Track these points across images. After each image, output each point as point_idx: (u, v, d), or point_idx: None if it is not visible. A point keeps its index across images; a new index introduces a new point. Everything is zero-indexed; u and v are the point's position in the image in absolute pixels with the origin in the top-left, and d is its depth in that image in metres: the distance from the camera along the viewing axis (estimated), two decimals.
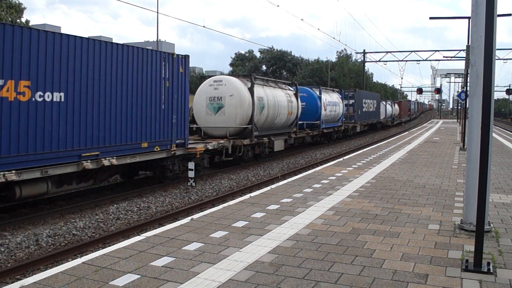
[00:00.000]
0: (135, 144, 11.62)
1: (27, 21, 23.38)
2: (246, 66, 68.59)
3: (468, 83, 15.56)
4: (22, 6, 22.73)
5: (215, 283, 4.38)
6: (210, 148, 14.87)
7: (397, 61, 51.14)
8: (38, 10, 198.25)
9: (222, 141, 15.67)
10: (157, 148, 12.39)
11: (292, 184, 9.94)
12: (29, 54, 8.83)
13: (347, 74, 61.49)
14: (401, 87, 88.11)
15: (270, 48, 66.63)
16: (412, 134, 30.10)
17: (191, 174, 12.97)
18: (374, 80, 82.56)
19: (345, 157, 15.70)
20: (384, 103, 48.58)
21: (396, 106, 59.85)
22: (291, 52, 70.31)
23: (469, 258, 4.91)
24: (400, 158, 15.28)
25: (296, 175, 12.70)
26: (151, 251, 5.35)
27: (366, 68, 59.25)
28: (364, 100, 36.99)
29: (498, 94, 78.64)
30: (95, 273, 4.64)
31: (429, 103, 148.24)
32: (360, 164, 13.51)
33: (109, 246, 6.26)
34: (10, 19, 20.91)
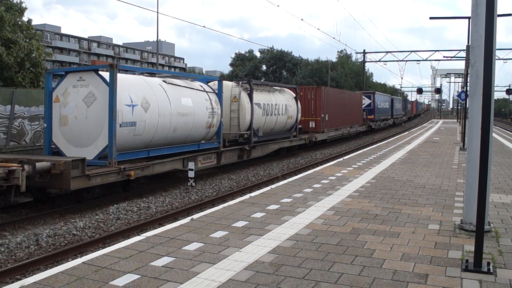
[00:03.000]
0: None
1: (29, 21, 23.30)
2: (246, 66, 68.56)
3: (468, 83, 15.55)
4: (24, 6, 22.64)
5: (215, 283, 4.38)
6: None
7: (397, 61, 51.15)
8: (35, 10, 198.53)
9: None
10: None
11: (292, 184, 9.95)
12: None
13: (348, 74, 61.31)
14: (401, 87, 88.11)
15: (270, 48, 66.62)
16: (412, 134, 30.10)
17: (191, 174, 12.96)
18: (374, 80, 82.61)
19: (345, 157, 15.71)
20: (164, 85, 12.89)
21: (290, 102, 20.58)
22: (291, 52, 70.32)
23: (469, 258, 4.91)
24: (400, 158, 15.29)
25: (296, 175, 12.71)
26: (151, 251, 5.35)
27: (366, 68, 58.70)
28: None
29: (498, 94, 78.70)
30: (95, 273, 4.64)
31: (428, 103, 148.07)
32: (360, 164, 13.52)
33: (109, 246, 6.27)
34: (10, 19, 20.83)
